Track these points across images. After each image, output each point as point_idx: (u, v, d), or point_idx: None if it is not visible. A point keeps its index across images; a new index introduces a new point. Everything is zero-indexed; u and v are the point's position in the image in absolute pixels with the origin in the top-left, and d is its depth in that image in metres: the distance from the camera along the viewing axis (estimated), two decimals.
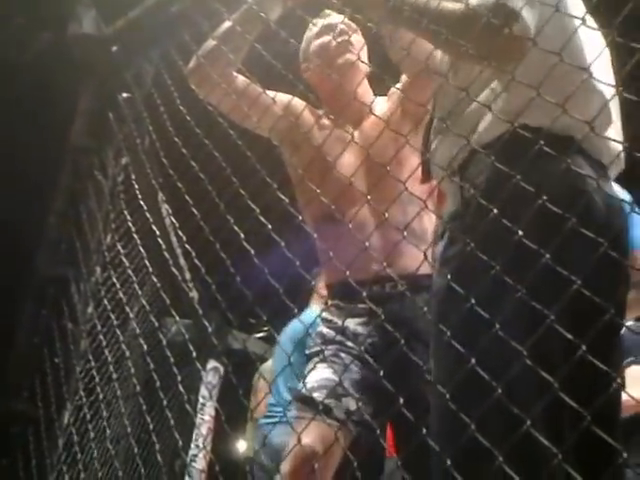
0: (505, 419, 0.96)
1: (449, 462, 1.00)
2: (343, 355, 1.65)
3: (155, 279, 1.71)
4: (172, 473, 2.90)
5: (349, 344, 1.67)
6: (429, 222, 1.74)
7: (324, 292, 1.97)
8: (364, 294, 1.50)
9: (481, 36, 1.16)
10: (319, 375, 1.64)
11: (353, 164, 1.65)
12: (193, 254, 1.48)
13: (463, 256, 1.11)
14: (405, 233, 1.33)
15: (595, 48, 1.22)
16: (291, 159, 1.82)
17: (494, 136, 1.21)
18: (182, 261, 2.21)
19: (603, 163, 1.22)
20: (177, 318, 1.60)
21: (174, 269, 1.94)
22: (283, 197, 1.40)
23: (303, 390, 1.61)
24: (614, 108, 1.27)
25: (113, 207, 1.76)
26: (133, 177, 1.72)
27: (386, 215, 1.48)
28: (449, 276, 1.13)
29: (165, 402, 1.42)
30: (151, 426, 1.46)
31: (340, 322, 1.67)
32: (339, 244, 1.52)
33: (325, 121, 1.88)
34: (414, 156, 1.56)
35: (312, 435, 1.52)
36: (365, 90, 1.94)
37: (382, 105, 1.92)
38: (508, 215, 1.02)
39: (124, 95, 1.82)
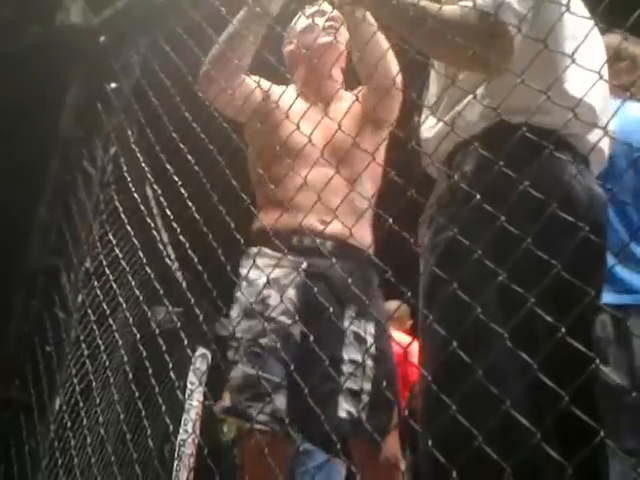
0: (489, 400, 0.99)
1: (430, 442, 1.04)
2: (264, 342, 1.62)
3: (145, 268, 1.73)
4: (162, 457, 2.93)
5: (271, 305, 1.66)
6: (365, 207, 1.78)
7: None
8: (293, 242, 1.62)
9: (464, 46, 1.18)
10: (241, 372, 1.62)
11: (313, 135, 1.67)
12: (186, 245, 1.50)
13: (449, 243, 1.14)
14: (345, 205, 1.42)
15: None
16: (255, 127, 1.83)
17: (481, 128, 1.24)
18: (170, 250, 2.23)
19: (587, 158, 1.25)
20: (168, 306, 1.62)
21: (165, 258, 1.96)
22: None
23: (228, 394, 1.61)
24: (601, 106, 1.30)
25: (103, 197, 1.78)
26: (122, 167, 1.73)
27: (331, 176, 1.51)
28: (435, 261, 1.17)
29: (155, 388, 1.44)
30: (142, 412, 1.48)
31: (266, 274, 1.65)
32: (280, 193, 1.62)
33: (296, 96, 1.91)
34: (368, 146, 1.64)
35: (254, 446, 1.52)
36: (338, 77, 1.99)
37: (350, 98, 1.95)
38: (493, 204, 1.05)
39: (112, 85, 1.83)
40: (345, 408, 1.63)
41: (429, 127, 1.37)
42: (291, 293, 1.68)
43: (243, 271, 1.75)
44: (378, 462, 1.64)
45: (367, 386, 1.69)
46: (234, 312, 1.72)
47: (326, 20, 1.92)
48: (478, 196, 1.08)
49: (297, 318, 1.63)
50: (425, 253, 1.24)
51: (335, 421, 1.58)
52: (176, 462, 3.15)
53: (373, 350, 1.72)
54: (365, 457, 1.63)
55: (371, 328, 1.75)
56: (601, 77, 0.97)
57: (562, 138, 1.19)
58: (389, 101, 1.81)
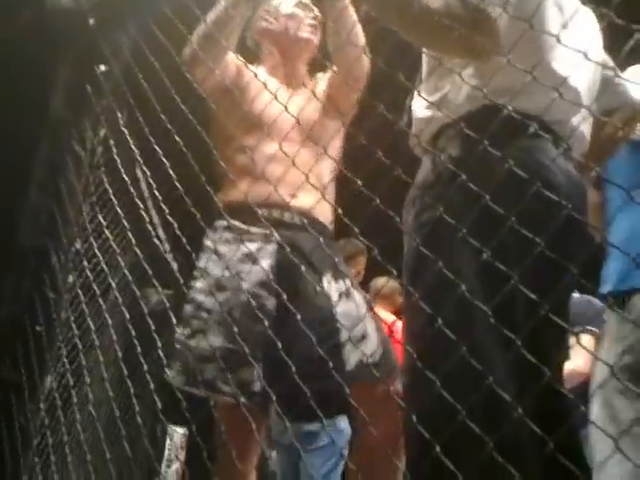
0: (472, 377, 1.02)
1: (415, 418, 1.06)
2: (238, 314, 1.62)
3: (135, 250, 1.73)
4: (154, 437, 2.95)
5: (246, 279, 1.66)
6: (329, 185, 1.83)
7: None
8: (263, 214, 1.62)
9: (449, 32, 1.20)
10: (212, 343, 1.62)
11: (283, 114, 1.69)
12: (175, 226, 1.51)
13: (435, 222, 1.17)
14: (312, 181, 1.44)
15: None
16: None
17: (467, 110, 1.26)
18: (161, 232, 2.23)
19: (568, 143, 1.28)
20: (158, 288, 1.63)
21: (154, 240, 1.97)
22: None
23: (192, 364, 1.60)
24: (586, 94, 1.32)
25: (92, 179, 1.78)
26: (112, 149, 1.74)
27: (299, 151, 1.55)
28: (420, 241, 1.19)
29: (144, 366, 1.46)
30: (132, 390, 1.50)
31: (233, 248, 1.68)
32: (251, 163, 1.65)
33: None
34: (331, 129, 1.76)
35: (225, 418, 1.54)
36: (306, 64, 2.06)
37: (318, 83, 1.98)
38: (477, 185, 1.07)
39: (102, 68, 1.83)
40: (353, 359, 1.64)
41: (417, 108, 1.39)
42: (266, 265, 1.68)
43: (209, 244, 1.75)
44: (390, 403, 1.61)
45: (370, 329, 1.71)
46: (201, 284, 1.71)
47: (312, 17, 1.99)
48: (464, 176, 1.10)
49: (274, 290, 1.64)
50: (410, 232, 1.27)
51: (346, 376, 1.57)
52: (168, 441, 3.17)
53: (361, 300, 1.74)
54: (376, 401, 1.59)
55: (349, 283, 1.78)
56: (587, 58, 0.98)
57: (545, 123, 1.22)
58: (354, 93, 1.86)
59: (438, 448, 0.97)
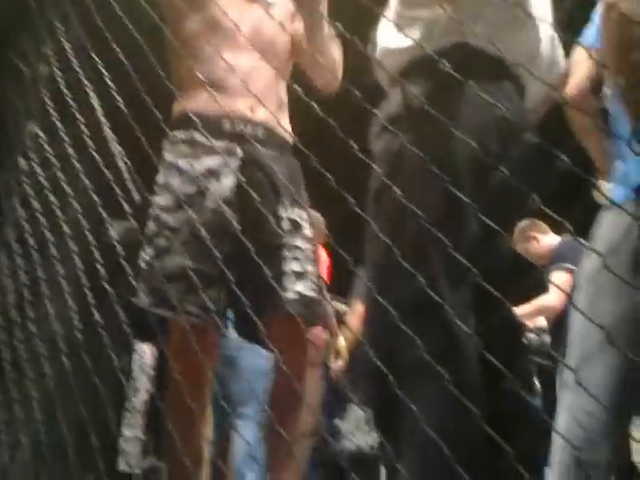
0: (429, 306, 1.04)
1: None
2: (201, 233, 1.52)
3: (92, 179, 1.64)
4: (123, 368, 2.94)
5: (208, 196, 1.61)
6: (286, 99, 1.80)
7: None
8: (225, 127, 1.60)
9: None
10: (174, 263, 1.58)
11: (242, 22, 1.59)
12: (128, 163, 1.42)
13: (398, 153, 1.19)
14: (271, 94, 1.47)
15: None
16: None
17: (437, 47, 1.25)
18: (120, 161, 2.12)
19: (524, 85, 1.31)
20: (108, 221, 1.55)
21: (114, 167, 1.88)
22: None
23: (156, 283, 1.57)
24: (547, 44, 1.33)
25: (38, 96, 1.68)
26: (55, 64, 1.63)
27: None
28: (383, 171, 1.20)
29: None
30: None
31: (195, 163, 1.62)
32: (209, 72, 1.60)
33: None
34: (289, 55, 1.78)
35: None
36: None
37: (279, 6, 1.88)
38: (441, 120, 1.09)
39: None
40: (292, 289, 1.62)
41: (386, 38, 1.38)
42: (228, 181, 1.63)
43: (168, 156, 1.68)
44: (303, 342, 1.66)
45: (310, 268, 1.69)
46: (162, 200, 1.64)
47: None
48: (431, 110, 1.11)
49: (237, 208, 1.60)
50: (376, 161, 1.28)
51: (282, 303, 1.57)
52: (135, 372, 3.18)
53: (309, 234, 1.71)
54: (293, 336, 1.59)
55: (304, 215, 1.73)
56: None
57: (508, 66, 1.25)
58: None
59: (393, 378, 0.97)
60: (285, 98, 1.77)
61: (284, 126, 1.71)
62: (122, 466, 3.30)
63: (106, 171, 1.53)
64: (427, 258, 1.11)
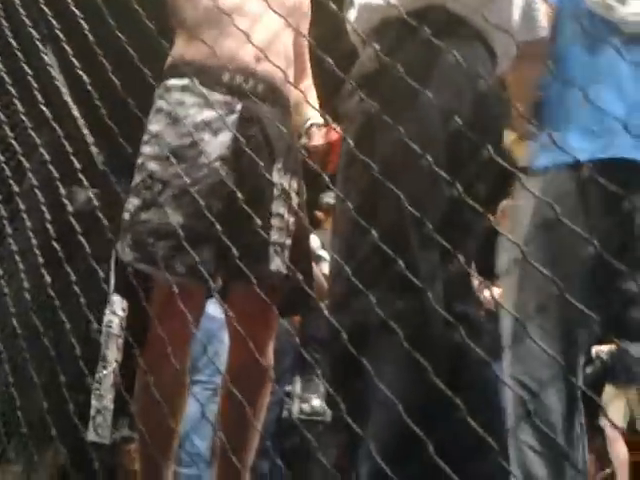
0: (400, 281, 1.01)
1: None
2: (194, 189, 1.45)
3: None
4: (88, 339, 2.90)
5: (203, 150, 1.53)
6: (292, 59, 1.75)
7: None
8: (225, 79, 1.55)
9: None
10: (163, 218, 1.48)
11: None
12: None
13: (369, 115, 1.18)
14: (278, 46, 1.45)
15: None
16: None
17: (410, 8, 1.23)
18: (81, 121, 2.03)
19: (495, 52, 1.32)
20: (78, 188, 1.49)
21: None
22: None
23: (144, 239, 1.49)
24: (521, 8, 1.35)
25: None
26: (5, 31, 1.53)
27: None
28: (355, 132, 1.22)
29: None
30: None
31: (190, 113, 1.55)
32: (210, 15, 1.54)
33: None
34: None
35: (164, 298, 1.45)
36: None
37: None
38: (419, 82, 1.08)
39: None
40: (275, 262, 1.57)
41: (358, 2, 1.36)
42: (225, 137, 1.55)
43: (163, 105, 1.59)
44: (272, 316, 1.64)
45: (288, 242, 1.63)
46: (154, 150, 1.55)
47: None
48: (400, 68, 1.08)
49: (232, 166, 1.53)
50: (346, 123, 1.29)
51: (266, 273, 1.53)
52: (103, 342, 3.14)
53: (296, 206, 1.65)
54: (263, 310, 1.55)
55: (295, 184, 1.68)
56: None
57: (481, 31, 1.27)
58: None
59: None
60: (292, 56, 1.71)
61: (288, 84, 1.61)
62: (91, 437, 3.29)
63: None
64: (398, 217, 1.11)
